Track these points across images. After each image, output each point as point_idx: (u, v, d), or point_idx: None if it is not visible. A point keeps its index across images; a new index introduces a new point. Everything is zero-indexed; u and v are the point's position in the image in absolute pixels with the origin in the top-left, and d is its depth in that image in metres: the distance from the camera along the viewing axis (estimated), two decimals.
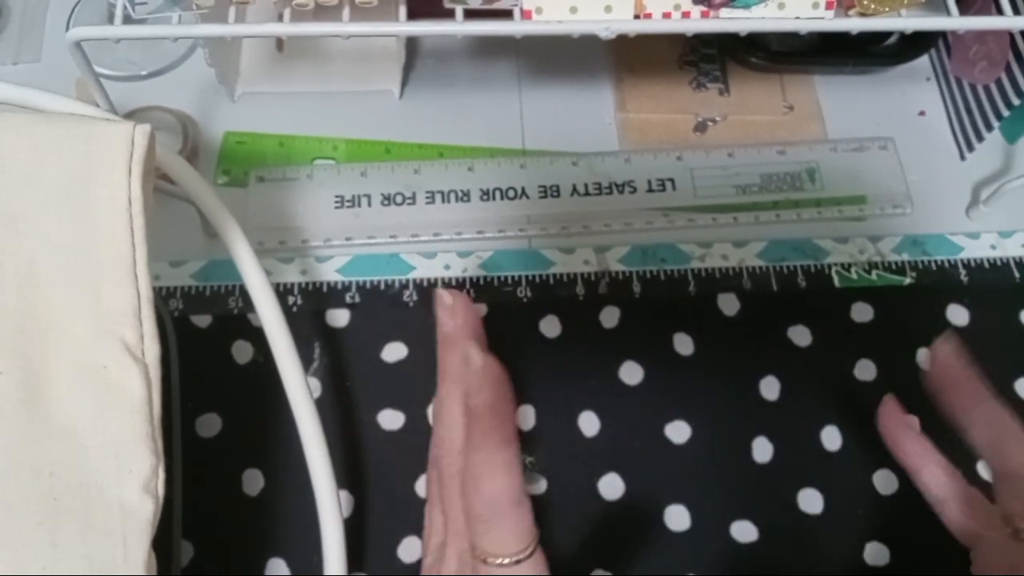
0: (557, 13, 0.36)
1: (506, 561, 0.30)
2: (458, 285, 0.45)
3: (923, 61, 0.53)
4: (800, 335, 0.45)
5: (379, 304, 0.44)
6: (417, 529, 0.39)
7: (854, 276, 0.46)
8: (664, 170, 0.48)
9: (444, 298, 0.37)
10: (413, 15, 0.38)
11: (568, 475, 0.41)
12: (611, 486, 0.41)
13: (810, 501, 0.41)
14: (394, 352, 0.43)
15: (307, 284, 0.45)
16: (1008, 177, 0.47)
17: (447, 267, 0.46)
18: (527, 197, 0.47)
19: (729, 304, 0.45)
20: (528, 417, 0.42)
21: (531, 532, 0.32)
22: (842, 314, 0.45)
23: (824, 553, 0.41)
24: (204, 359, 0.42)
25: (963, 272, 0.47)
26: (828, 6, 0.37)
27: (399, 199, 0.47)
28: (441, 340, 0.37)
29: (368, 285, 0.45)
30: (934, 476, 0.35)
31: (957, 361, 0.35)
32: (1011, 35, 0.44)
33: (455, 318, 0.37)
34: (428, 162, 0.48)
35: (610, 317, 0.45)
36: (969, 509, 0.33)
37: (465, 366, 0.31)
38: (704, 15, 0.37)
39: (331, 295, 0.45)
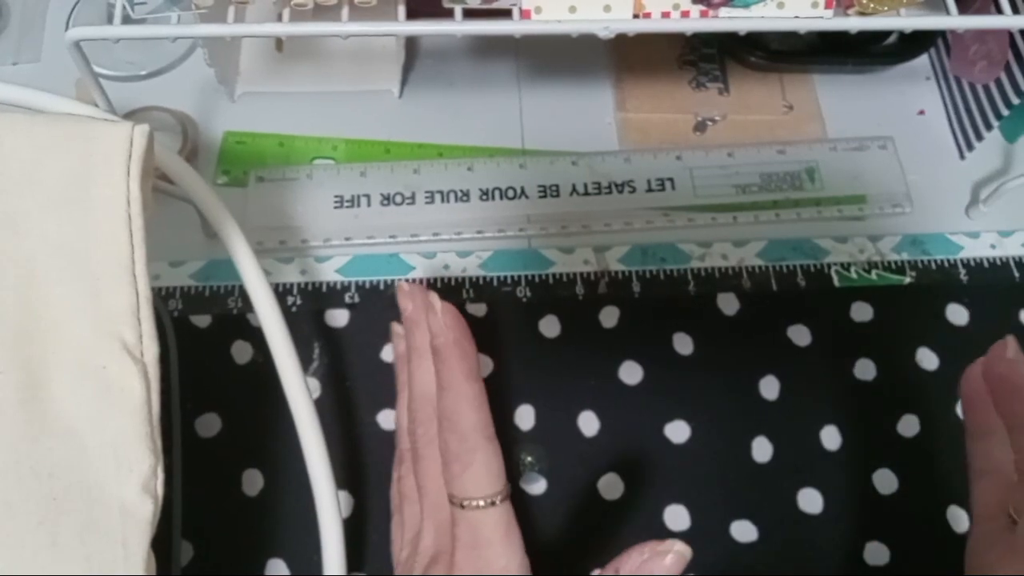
0: (556, 12, 0.36)
1: (481, 504, 0.33)
2: (457, 285, 0.45)
3: (922, 60, 0.53)
4: (800, 335, 0.45)
5: (379, 304, 0.44)
6: None
7: (854, 275, 0.46)
8: (664, 170, 0.48)
9: (403, 287, 0.39)
10: (412, 15, 0.38)
11: (568, 475, 0.41)
12: (611, 486, 0.41)
13: (810, 501, 0.41)
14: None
15: (306, 284, 0.45)
16: (1008, 176, 0.47)
17: (446, 267, 0.46)
18: (526, 197, 0.47)
19: (729, 304, 0.45)
20: (528, 417, 0.42)
21: (502, 476, 0.34)
22: (842, 314, 0.45)
23: (824, 553, 0.41)
24: (203, 359, 0.42)
25: (963, 271, 0.47)
26: (827, 5, 0.37)
27: (398, 199, 0.47)
28: (405, 321, 0.39)
29: (368, 285, 0.45)
30: None
31: (1018, 369, 0.33)
32: (1011, 34, 0.44)
33: (414, 301, 0.39)
34: (427, 162, 0.48)
35: (610, 317, 0.45)
36: None
37: (429, 313, 0.35)
38: (703, 14, 0.37)
39: (331, 295, 0.45)
